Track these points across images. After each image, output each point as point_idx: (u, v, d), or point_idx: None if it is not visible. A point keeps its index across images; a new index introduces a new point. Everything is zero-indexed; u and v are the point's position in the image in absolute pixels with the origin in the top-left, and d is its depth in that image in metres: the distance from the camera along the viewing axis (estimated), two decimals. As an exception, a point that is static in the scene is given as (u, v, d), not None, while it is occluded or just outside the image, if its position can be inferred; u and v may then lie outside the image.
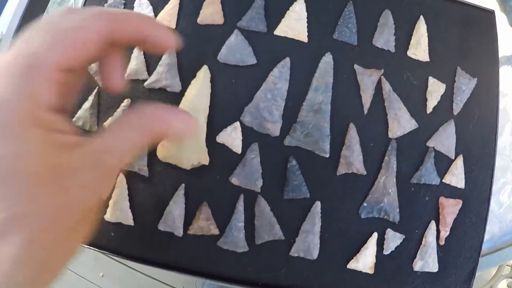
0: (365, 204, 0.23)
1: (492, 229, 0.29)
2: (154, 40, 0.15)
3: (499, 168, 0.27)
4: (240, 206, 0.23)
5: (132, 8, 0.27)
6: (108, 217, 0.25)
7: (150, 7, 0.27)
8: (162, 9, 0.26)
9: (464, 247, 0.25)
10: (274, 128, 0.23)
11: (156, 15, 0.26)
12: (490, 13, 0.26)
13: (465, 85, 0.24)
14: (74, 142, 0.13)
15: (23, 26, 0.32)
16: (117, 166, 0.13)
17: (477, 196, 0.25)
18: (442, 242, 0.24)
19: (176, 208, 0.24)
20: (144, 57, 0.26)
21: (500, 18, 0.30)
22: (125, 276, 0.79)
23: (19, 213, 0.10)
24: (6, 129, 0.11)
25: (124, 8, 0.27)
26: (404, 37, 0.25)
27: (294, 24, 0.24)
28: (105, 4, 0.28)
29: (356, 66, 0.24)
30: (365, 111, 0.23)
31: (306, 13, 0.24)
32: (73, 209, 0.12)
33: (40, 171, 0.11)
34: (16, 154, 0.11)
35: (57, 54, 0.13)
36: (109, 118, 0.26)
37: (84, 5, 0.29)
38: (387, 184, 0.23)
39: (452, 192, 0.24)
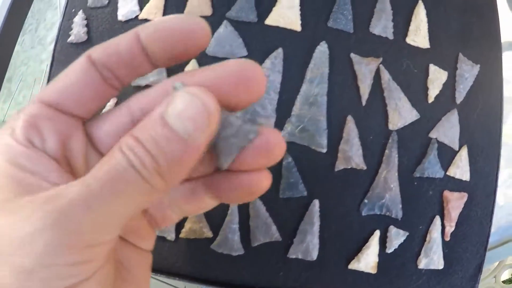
0: (365, 200, 0.22)
1: (498, 221, 0.28)
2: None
3: (504, 158, 0.26)
4: (234, 207, 0.22)
5: (117, 2, 0.26)
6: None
7: (135, 1, 0.25)
8: (148, 1, 0.25)
9: (470, 242, 0.24)
10: (268, 123, 0.22)
11: (141, 8, 0.25)
12: (492, -3, 0.25)
13: (468, 72, 0.23)
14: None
15: (7, 25, 0.31)
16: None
17: (482, 189, 0.24)
18: (447, 238, 0.23)
19: (167, 211, 0.23)
20: (129, 53, 0.25)
21: (501, 3, 0.28)
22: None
23: None
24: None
25: (108, 2, 0.26)
26: (402, 23, 0.23)
27: (286, 13, 0.23)
28: (89, 0, 0.26)
29: (352, 55, 0.22)
30: (364, 102, 0.22)
31: (298, 0, 0.23)
32: None
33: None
34: None
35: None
36: None
37: (66, 5, 0.27)
38: (388, 178, 0.22)
39: (456, 185, 0.23)
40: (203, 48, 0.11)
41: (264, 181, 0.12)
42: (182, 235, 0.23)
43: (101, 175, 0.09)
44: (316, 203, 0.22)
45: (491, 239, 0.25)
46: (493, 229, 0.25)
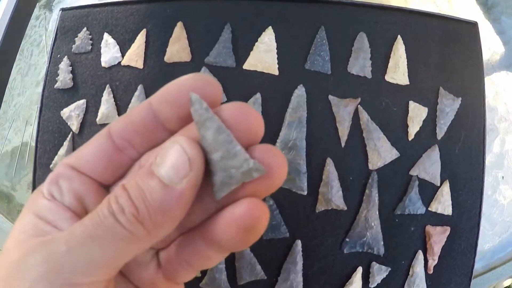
0: (347, 239, 0.23)
1: (484, 248, 0.28)
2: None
3: (489, 186, 0.26)
4: (220, 248, 0.23)
5: (99, 48, 0.26)
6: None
7: (117, 47, 0.26)
8: (129, 48, 0.25)
9: (454, 274, 0.24)
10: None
11: (123, 55, 0.25)
12: (473, 25, 0.24)
13: (449, 106, 0.23)
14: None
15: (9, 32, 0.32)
16: None
17: (466, 222, 0.24)
18: (430, 271, 0.24)
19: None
20: (114, 100, 0.25)
21: (485, 27, 0.28)
22: None
23: None
24: None
25: (91, 48, 0.26)
26: (381, 60, 0.23)
27: (264, 57, 0.23)
28: (73, 45, 0.27)
29: (331, 97, 0.23)
30: (343, 144, 0.22)
31: (275, 44, 0.23)
32: None
33: None
34: None
35: None
36: None
37: (54, 42, 0.28)
38: (369, 218, 0.22)
39: (439, 219, 0.23)
40: (218, 104, 0.11)
41: (260, 211, 0.11)
42: (172, 274, 0.24)
43: (86, 222, 0.10)
44: (298, 243, 0.23)
45: (478, 265, 0.25)
46: (479, 256, 0.25)
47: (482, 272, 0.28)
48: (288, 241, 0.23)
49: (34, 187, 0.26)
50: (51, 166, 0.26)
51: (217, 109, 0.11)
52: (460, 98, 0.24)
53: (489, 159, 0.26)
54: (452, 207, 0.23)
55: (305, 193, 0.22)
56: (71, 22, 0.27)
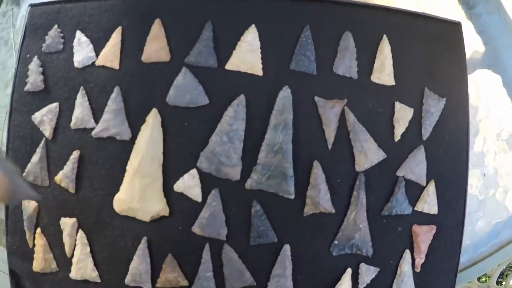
0: (336, 242, 0.22)
1: (466, 243, 0.28)
2: None
3: (470, 183, 0.27)
4: (207, 255, 0.22)
5: (72, 47, 0.24)
6: (73, 275, 0.24)
7: (91, 46, 0.24)
8: (104, 46, 0.24)
9: (440, 271, 0.25)
10: (234, 172, 0.22)
11: (97, 54, 0.24)
12: (457, 25, 0.24)
13: (434, 107, 0.23)
14: None
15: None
16: None
17: (451, 220, 0.24)
18: (418, 269, 0.24)
19: (141, 263, 0.23)
20: (89, 103, 0.24)
21: (466, 26, 0.28)
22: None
23: None
24: None
25: (63, 47, 0.25)
26: (367, 60, 0.23)
27: (247, 56, 0.22)
28: (44, 44, 0.25)
29: (317, 98, 0.22)
30: (329, 146, 0.22)
31: (259, 43, 0.22)
32: None
33: None
34: None
35: None
36: (60, 172, 0.24)
37: (22, 41, 0.26)
38: (357, 220, 0.22)
39: (425, 219, 0.23)
40: None
41: None
42: (158, 285, 0.23)
43: None
44: (287, 248, 0.22)
45: (461, 260, 0.26)
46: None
47: (466, 266, 0.28)
48: (276, 246, 0.22)
49: (4, 198, 0.24)
50: (24, 174, 0.25)
51: None
52: (444, 99, 0.24)
53: (470, 157, 0.26)
54: (438, 207, 0.24)
55: (292, 196, 0.22)
56: (41, 19, 0.25)
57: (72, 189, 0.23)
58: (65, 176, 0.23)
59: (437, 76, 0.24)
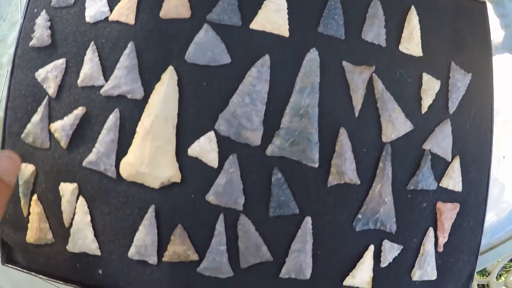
0: (359, 216, 0.21)
1: (485, 226, 0.28)
2: None
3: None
4: (221, 227, 0.20)
5: (84, 1, 0.23)
6: (70, 247, 0.22)
7: (105, 0, 0.23)
8: (119, 1, 0.22)
9: (462, 252, 0.24)
10: (255, 137, 0.20)
11: (111, 9, 0.22)
12: (482, 4, 0.24)
13: (460, 81, 0.23)
14: None
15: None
16: None
17: (474, 198, 0.23)
18: (440, 249, 0.23)
19: (147, 233, 0.21)
20: (100, 59, 0.22)
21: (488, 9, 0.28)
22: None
23: None
24: None
25: (74, 1, 0.23)
26: (395, 30, 0.22)
27: (273, 16, 0.21)
28: (53, -2, 0.23)
29: (344, 63, 0.21)
30: (356, 114, 0.21)
31: (286, 3, 0.21)
32: None
33: None
34: None
35: None
36: (58, 122, 0.22)
37: (27, 4, 0.24)
38: (382, 192, 0.21)
39: (449, 196, 0.23)
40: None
41: None
42: (165, 258, 0.21)
43: None
44: (308, 220, 0.21)
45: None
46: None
47: (483, 251, 0.28)
48: (297, 218, 0.21)
49: None
50: (22, 135, 0.23)
51: None
52: (470, 74, 0.23)
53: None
54: (462, 184, 0.23)
55: (317, 165, 0.20)
56: (50, -28, 0.24)
57: (63, 144, 0.21)
58: (61, 128, 0.21)
59: (463, 52, 0.23)
